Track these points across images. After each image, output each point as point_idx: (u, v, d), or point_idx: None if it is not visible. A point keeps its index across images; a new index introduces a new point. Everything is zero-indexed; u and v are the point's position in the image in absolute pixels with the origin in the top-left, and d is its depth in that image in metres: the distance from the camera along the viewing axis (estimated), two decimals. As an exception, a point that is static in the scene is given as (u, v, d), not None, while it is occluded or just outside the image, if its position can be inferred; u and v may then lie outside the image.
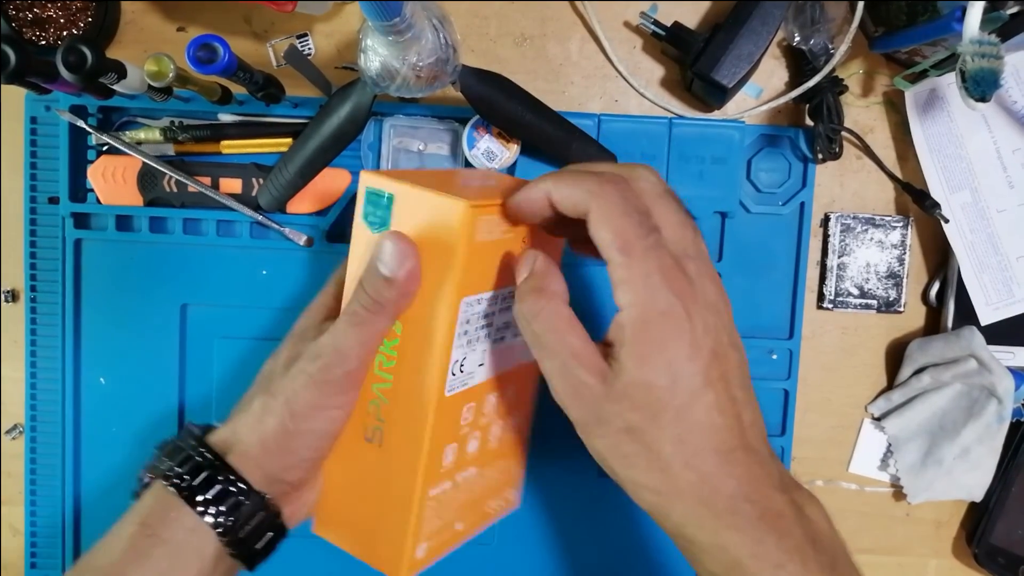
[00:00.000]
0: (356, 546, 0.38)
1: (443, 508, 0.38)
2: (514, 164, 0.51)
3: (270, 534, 0.36)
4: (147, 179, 0.52)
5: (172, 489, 0.35)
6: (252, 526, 0.35)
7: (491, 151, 0.50)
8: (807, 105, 0.52)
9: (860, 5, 0.50)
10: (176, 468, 0.35)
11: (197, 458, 0.36)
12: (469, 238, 0.33)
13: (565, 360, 0.31)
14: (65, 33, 0.51)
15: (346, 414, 0.37)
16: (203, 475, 0.35)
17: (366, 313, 0.35)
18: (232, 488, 0.35)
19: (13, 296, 0.55)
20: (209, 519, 0.34)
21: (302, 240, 0.52)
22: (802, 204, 0.53)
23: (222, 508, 0.34)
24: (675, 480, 0.30)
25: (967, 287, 0.53)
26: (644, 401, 0.30)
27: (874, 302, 0.55)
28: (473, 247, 0.34)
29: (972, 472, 0.53)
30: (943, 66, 0.47)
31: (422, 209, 0.34)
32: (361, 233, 0.36)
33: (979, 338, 0.52)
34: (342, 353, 0.35)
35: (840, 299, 0.55)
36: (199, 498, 0.34)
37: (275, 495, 0.36)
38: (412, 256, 0.34)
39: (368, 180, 0.35)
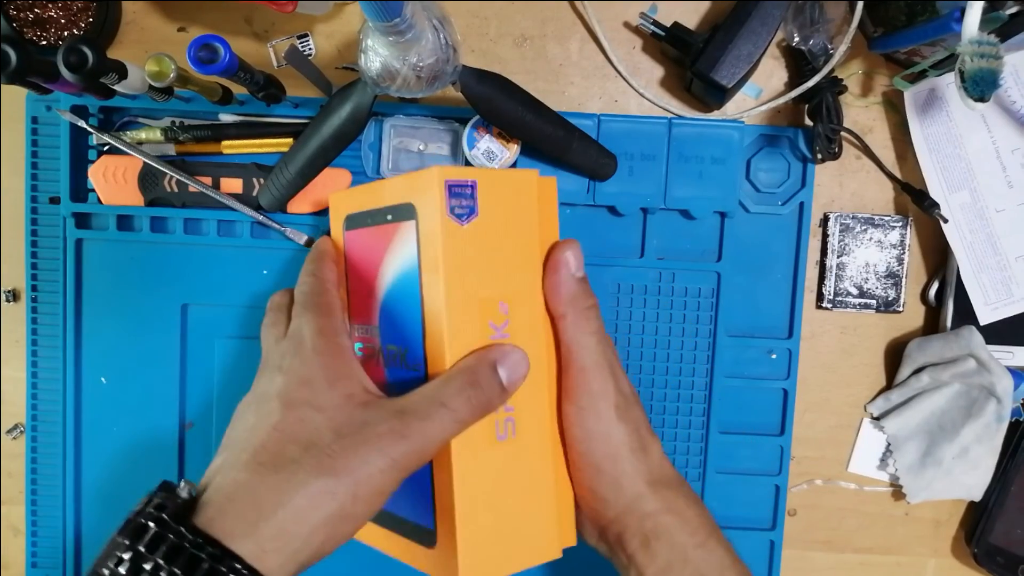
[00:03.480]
0: (511, 562, 0.35)
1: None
2: (514, 164, 0.51)
3: None
4: (148, 179, 0.52)
5: None
6: None
7: (491, 151, 0.50)
8: (806, 105, 0.52)
9: (859, 5, 0.50)
10: None
11: (213, 566, 0.27)
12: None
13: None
14: (66, 33, 0.52)
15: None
16: None
17: (471, 414, 0.33)
18: None
19: (14, 296, 0.55)
20: None
21: (303, 240, 0.52)
22: (801, 204, 0.53)
23: None
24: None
25: (966, 287, 0.53)
26: None
27: (873, 302, 0.55)
28: None
29: (971, 472, 0.53)
30: (942, 66, 0.47)
31: (500, 187, 0.36)
32: (449, 229, 0.34)
33: (978, 338, 0.52)
34: (433, 445, 0.32)
35: (839, 299, 0.55)
36: None
37: None
38: (527, 364, 0.35)
39: (446, 174, 0.34)
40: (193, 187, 0.51)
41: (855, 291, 0.55)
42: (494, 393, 0.33)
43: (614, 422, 0.37)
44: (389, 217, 0.37)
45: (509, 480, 0.35)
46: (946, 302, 0.54)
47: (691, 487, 0.40)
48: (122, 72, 0.43)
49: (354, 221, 0.40)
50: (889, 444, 0.55)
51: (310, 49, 0.53)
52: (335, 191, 0.43)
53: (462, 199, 0.34)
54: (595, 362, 0.37)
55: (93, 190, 0.52)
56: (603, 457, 0.37)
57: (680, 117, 0.53)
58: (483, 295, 0.35)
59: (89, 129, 0.50)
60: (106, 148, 0.52)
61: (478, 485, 0.34)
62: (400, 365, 0.37)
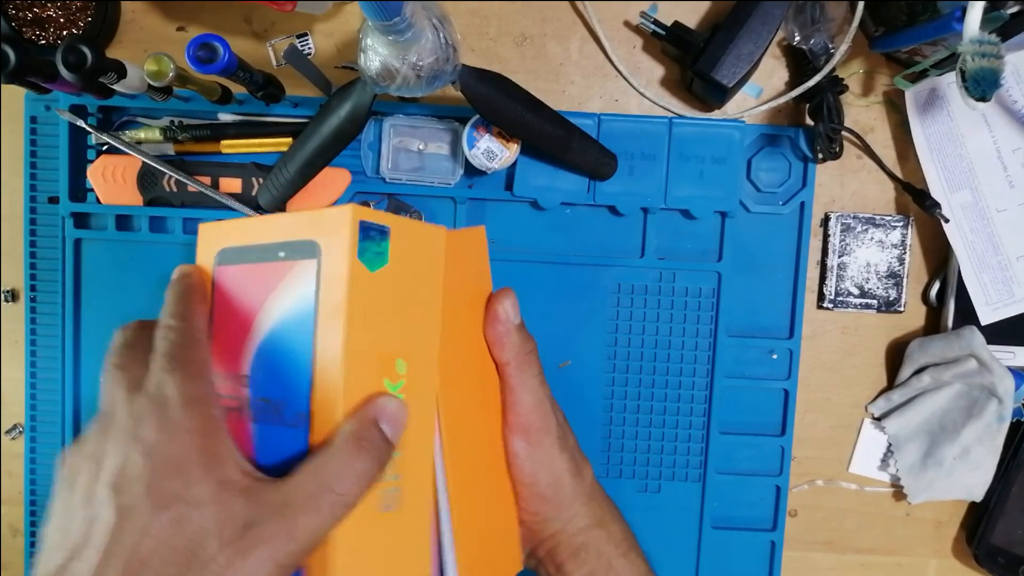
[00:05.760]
0: None
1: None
2: (514, 164, 0.51)
3: None
4: (147, 179, 0.52)
5: None
6: None
7: (491, 151, 0.50)
8: (807, 105, 0.52)
9: (860, 5, 0.50)
10: None
11: None
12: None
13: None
14: (65, 32, 0.51)
15: None
16: None
17: (361, 491, 0.30)
18: None
19: (13, 296, 0.55)
20: None
21: (302, 240, 0.52)
22: (802, 204, 0.53)
23: None
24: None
25: (967, 287, 0.52)
26: None
27: (874, 302, 0.55)
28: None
29: (972, 472, 0.53)
30: (943, 66, 0.47)
31: (410, 238, 0.33)
32: (357, 273, 0.31)
33: (979, 338, 0.52)
34: (322, 537, 0.29)
35: (840, 299, 0.55)
36: None
37: None
38: (406, 411, 0.32)
39: (361, 214, 0.31)
40: (192, 187, 0.51)
41: (856, 291, 0.55)
42: (382, 454, 0.30)
43: (557, 453, 0.40)
44: (282, 254, 0.33)
45: (389, 554, 0.32)
46: (947, 302, 0.54)
47: (615, 504, 0.44)
48: (121, 71, 0.43)
49: (231, 256, 0.36)
50: (890, 444, 0.55)
51: (309, 48, 0.53)
52: (205, 222, 0.38)
53: (374, 244, 0.32)
54: (538, 401, 0.40)
55: (92, 190, 0.52)
56: (547, 485, 0.40)
57: (681, 117, 0.53)
58: (383, 349, 0.32)
59: (88, 129, 0.50)
60: (105, 148, 0.52)
61: (358, 562, 0.31)
62: (275, 420, 0.32)
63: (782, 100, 0.52)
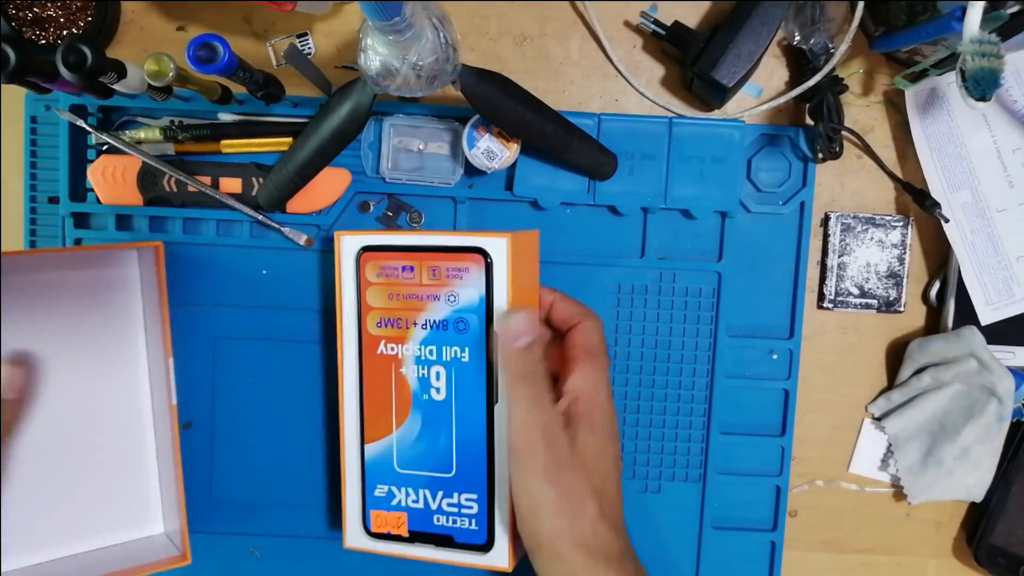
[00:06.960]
0: None
1: None
2: (514, 164, 0.51)
3: None
4: (147, 178, 0.52)
5: None
6: None
7: (491, 150, 0.50)
8: (807, 104, 0.52)
9: (860, 4, 0.50)
10: None
11: None
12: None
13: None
14: (65, 32, 0.51)
15: None
16: None
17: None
18: None
19: (13, 296, 0.55)
20: None
21: (302, 240, 0.52)
22: (802, 204, 0.53)
23: None
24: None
25: (967, 287, 0.52)
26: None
27: (874, 302, 0.55)
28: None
29: (972, 472, 0.53)
30: (943, 65, 0.47)
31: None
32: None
33: (979, 338, 0.52)
34: None
35: (840, 299, 0.55)
36: None
37: None
38: None
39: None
40: (192, 187, 0.51)
41: (856, 291, 0.55)
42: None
43: (539, 482, 0.39)
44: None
45: None
46: (947, 302, 0.54)
47: (635, 559, 0.42)
48: (121, 71, 0.43)
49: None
50: (890, 444, 0.55)
51: (309, 48, 0.53)
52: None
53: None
54: (524, 424, 0.39)
55: (92, 190, 0.52)
56: (526, 509, 0.39)
57: (681, 116, 0.53)
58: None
59: (88, 128, 0.50)
60: (105, 147, 0.52)
61: None
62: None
63: (782, 100, 0.52)
